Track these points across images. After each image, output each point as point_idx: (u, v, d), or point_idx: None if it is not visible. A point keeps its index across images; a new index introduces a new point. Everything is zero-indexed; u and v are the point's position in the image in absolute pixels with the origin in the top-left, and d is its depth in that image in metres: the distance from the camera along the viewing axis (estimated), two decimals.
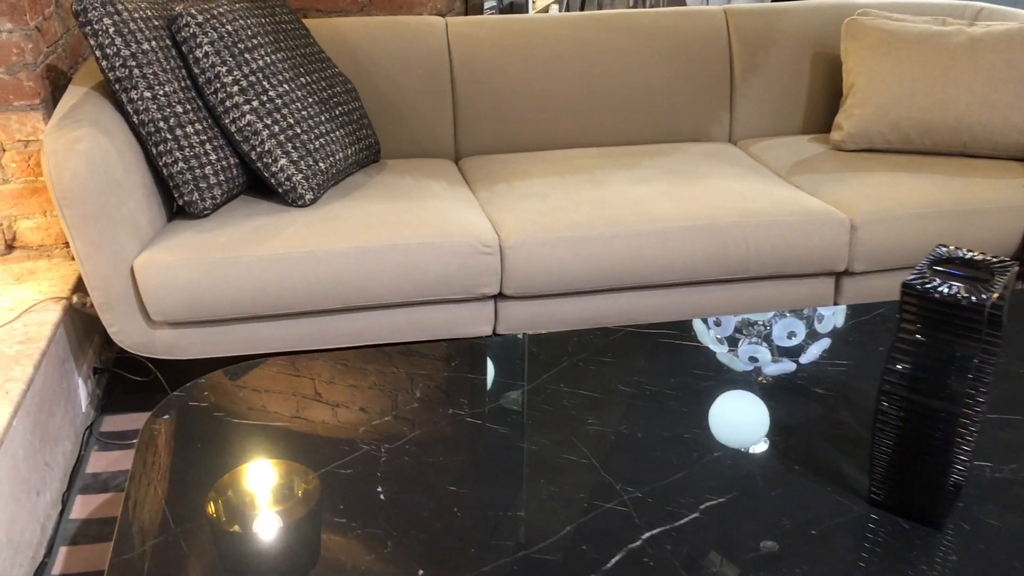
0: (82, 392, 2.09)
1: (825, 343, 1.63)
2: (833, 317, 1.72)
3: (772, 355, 1.59)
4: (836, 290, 2.23)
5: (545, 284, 2.05)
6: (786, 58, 2.69)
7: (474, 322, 2.08)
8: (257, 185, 2.21)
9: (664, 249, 2.06)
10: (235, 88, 2.03)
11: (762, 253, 2.10)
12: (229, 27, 2.07)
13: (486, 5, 2.99)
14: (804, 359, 1.57)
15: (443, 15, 2.76)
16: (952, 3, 2.79)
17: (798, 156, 2.51)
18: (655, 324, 1.73)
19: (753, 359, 1.58)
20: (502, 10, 3.28)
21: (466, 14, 2.88)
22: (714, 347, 1.62)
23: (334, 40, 2.49)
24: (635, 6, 5.92)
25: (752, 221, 2.09)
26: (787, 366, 1.55)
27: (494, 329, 2.12)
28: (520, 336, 1.68)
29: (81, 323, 2.12)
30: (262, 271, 1.90)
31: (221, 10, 2.08)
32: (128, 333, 1.94)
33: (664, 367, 1.56)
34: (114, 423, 2.16)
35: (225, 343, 1.98)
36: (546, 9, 3.91)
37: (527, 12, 3.38)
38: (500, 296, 2.08)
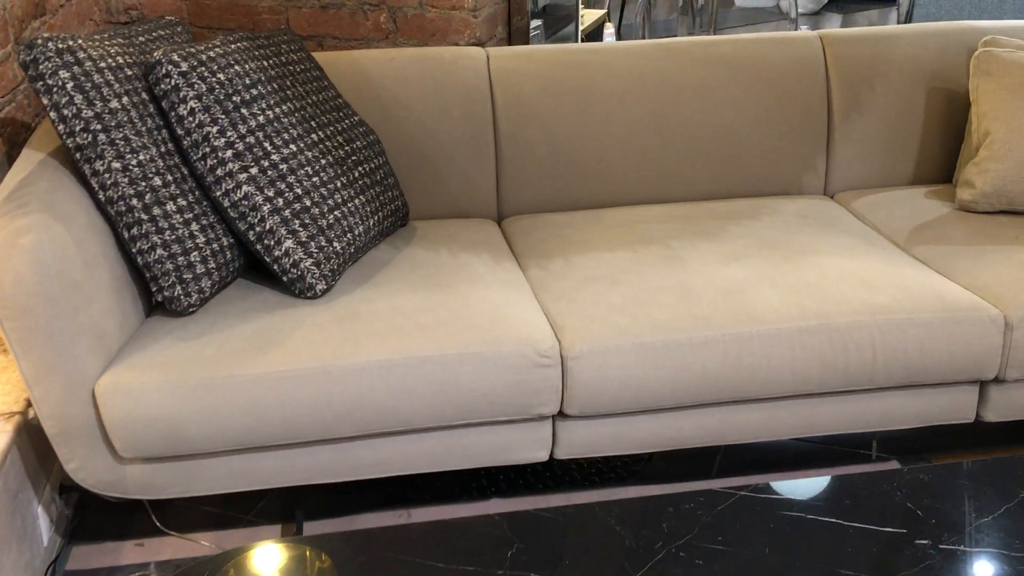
0: (43, 523, 1.69)
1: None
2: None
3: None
4: (980, 400, 1.78)
5: (618, 402, 1.62)
6: (895, 93, 2.23)
7: (527, 446, 1.66)
8: (258, 264, 1.80)
9: (769, 356, 1.62)
10: (229, 153, 1.62)
11: (891, 361, 1.66)
12: (221, 76, 1.65)
13: (532, 26, 2.56)
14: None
15: (483, 43, 2.33)
16: None
17: (917, 218, 2.06)
18: (773, 488, 1.30)
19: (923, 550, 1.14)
20: (547, 30, 2.84)
21: (509, 40, 2.45)
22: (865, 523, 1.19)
23: (354, 78, 2.07)
24: (710, 29, 5.45)
25: (880, 320, 1.64)
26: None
27: (551, 453, 1.69)
28: (604, 510, 1.25)
29: (41, 436, 1.72)
30: (259, 394, 1.49)
31: (212, 54, 1.66)
32: (90, 470, 1.53)
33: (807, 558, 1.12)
34: (85, 556, 1.77)
35: (213, 479, 1.57)
36: (599, 27, 3.46)
37: (575, 30, 2.94)
38: (560, 415, 1.66)
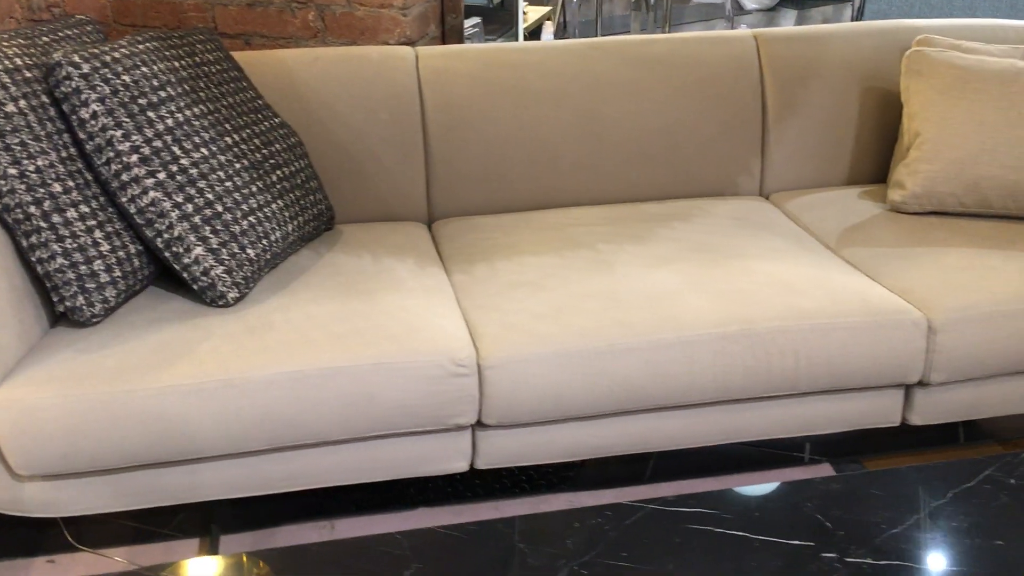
0: None
1: (939, 538, 1.17)
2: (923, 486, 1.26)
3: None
4: (906, 404, 1.77)
5: (537, 411, 1.58)
6: (830, 93, 2.22)
7: (446, 457, 1.62)
8: (170, 273, 1.74)
9: (691, 363, 1.60)
10: (134, 157, 1.56)
11: (815, 366, 1.64)
12: (127, 77, 1.59)
13: (467, 24, 2.51)
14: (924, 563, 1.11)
15: (414, 43, 2.29)
16: None
17: (848, 219, 2.04)
18: (689, 497, 1.27)
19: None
20: (487, 27, 2.80)
21: (443, 39, 2.40)
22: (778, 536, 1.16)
23: (278, 78, 2.02)
24: (665, 26, 5.41)
25: (803, 326, 1.62)
26: None
27: (472, 463, 1.66)
28: (507, 526, 1.21)
29: None
30: (162, 409, 1.44)
31: (117, 55, 1.60)
32: None
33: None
34: None
35: (117, 496, 1.52)
36: (539, 26, 3.42)
37: (516, 28, 2.90)
38: (479, 424, 1.62)
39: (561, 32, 4.92)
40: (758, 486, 1.31)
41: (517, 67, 2.12)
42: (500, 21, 2.89)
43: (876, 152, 2.25)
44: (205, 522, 1.83)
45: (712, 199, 2.18)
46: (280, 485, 1.57)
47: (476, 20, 2.77)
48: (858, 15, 5.17)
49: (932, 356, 1.68)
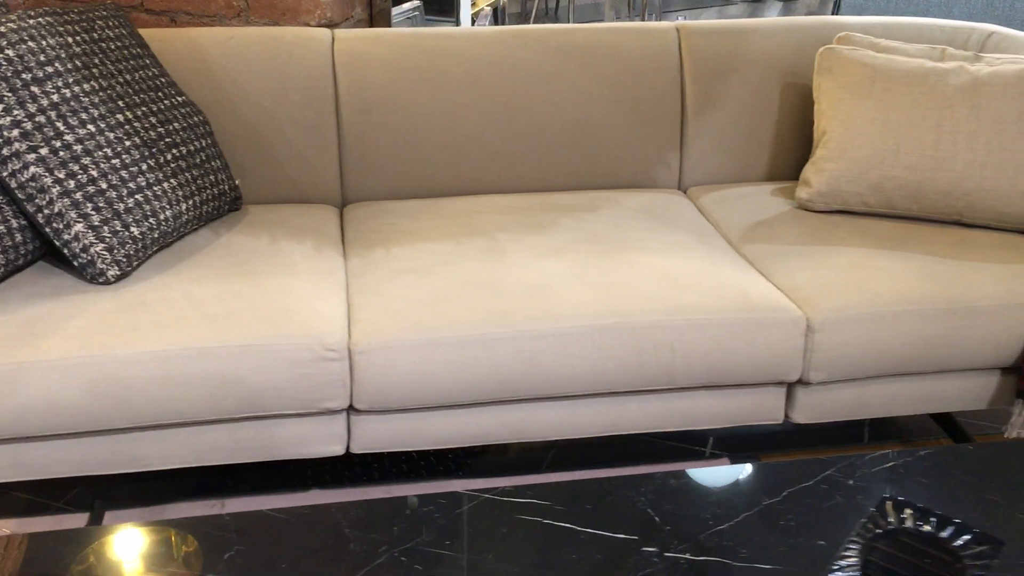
0: None
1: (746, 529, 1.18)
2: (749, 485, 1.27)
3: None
4: (788, 402, 1.77)
5: (408, 397, 1.59)
6: (750, 88, 2.21)
7: (321, 440, 1.63)
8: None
9: (564, 355, 1.60)
10: (16, 132, 1.57)
11: (691, 361, 1.64)
12: (11, 51, 1.59)
13: (399, 10, 2.50)
14: None
15: (337, 25, 2.28)
16: (957, 25, 2.31)
17: (757, 215, 2.04)
18: (527, 488, 1.28)
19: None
20: (431, 12, 2.79)
21: (371, 23, 2.40)
22: (603, 528, 1.17)
23: (190, 58, 2.02)
24: (643, 13, 5.38)
25: (679, 321, 1.63)
26: None
27: (347, 447, 1.67)
28: (339, 512, 1.23)
29: None
30: (23, 383, 1.45)
31: (3, 29, 1.61)
32: None
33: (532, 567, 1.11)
34: None
35: None
36: (495, 10, 3.41)
37: (456, 13, 2.89)
38: (352, 409, 1.63)
39: (520, 21, 4.89)
40: (599, 478, 1.32)
41: (434, 53, 2.12)
42: (443, 6, 2.88)
43: (796, 148, 2.25)
44: (102, 497, 1.85)
45: (627, 191, 2.18)
46: (152, 463, 1.59)
47: (416, 4, 2.76)
48: (835, 9, 5.14)
49: (811, 355, 1.68)
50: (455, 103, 2.11)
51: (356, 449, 1.66)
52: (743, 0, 6.67)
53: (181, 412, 1.52)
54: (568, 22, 5.22)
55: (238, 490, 1.90)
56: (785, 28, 2.25)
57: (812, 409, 1.75)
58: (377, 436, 1.64)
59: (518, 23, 5.65)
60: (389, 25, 2.48)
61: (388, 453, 1.99)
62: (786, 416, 1.78)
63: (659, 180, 2.24)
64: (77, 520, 1.82)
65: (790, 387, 1.75)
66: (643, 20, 5.52)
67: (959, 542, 1.19)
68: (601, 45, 2.18)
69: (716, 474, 1.33)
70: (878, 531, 1.21)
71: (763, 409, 1.75)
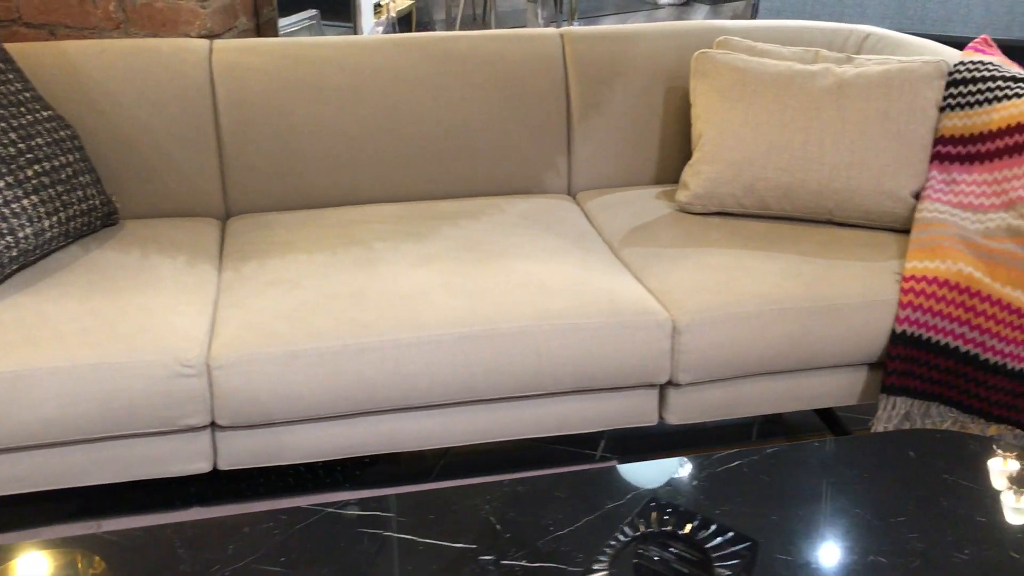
0: None
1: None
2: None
3: None
4: (661, 404, 1.79)
5: (271, 411, 1.58)
6: (634, 93, 2.23)
7: (186, 458, 1.61)
8: None
9: (429, 363, 1.60)
10: None
11: (558, 366, 1.65)
12: None
13: (295, 18, 2.48)
14: None
15: (218, 35, 2.26)
16: (836, 27, 2.35)
17: (638, 219, 2.06)
18: (371, 500, 1.28)
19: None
20: (328, 20, 2.77)
21: (257, 33, 2.38)
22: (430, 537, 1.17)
23: (62, 71, 1.98)
24: (571, 19, 5.40)
25: (544, 327, 1.63)
26: None
27: (215, 464, 1.65)
28: (175, 531, 1.21)
29: None
30: None
31: None
32: None
33: None
34: None
35: None
36: (406, 17, 3.40)
37: (356, 21, 2.88)
38: (215, 425, 1.61)
39: (447, 27, 4.89)
40: (445, 488, 1.32)
41: (315, 62, 2.11)
42: (342, 13, 2.87)
43: (680, 151, 2.27)
44: None
45: (513, 197, 2.19)
46: (7, 487, 1.55)
47: (313, 12, 2.74)
48: (752, 13, 5.22)
49: (678, 357, 1.70)
50: (338, 112, 2.10)
51: (223, 466, 1.64)
52: (670, 4, 6.74)
53: (32, 434, 1.49)
54: (493, 27, 5.24)
55: (117, 510, 1.86)
56: (668, 33, 2.27)
57: (685, 410, 1.77)
58: (244, 451, 1.62)
59: (445, 30, 5.65)
60: (276, 34, 2.46)
61: (274, 466, 1.97)
62: (660, 418, 1.80)
63: (549, 186, 2.25)
64: None
65: (662, 389, 1.77)
66: (571, 26, 5.55)
67: (712, 543, 1.20)
68: (485, 52, 2.19)
69: (567, 479, 1.33)
70: (636, 536, 1.21)
71: (637, 411, 1.76)
